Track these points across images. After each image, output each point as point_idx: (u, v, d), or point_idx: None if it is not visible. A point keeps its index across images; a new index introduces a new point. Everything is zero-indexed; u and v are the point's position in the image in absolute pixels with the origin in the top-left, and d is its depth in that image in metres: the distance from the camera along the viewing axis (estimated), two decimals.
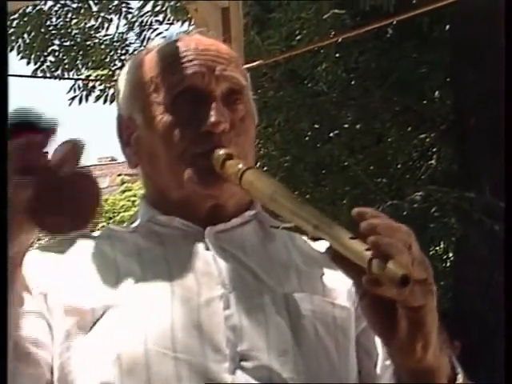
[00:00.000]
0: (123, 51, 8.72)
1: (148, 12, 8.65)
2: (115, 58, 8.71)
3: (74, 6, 8.60)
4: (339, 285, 1.21)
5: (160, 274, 1.16)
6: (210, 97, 1.22)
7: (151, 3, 8.62)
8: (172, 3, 8.16)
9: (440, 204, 5.59)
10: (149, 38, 8.50)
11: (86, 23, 8.63)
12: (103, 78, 8.33)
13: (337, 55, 7.09)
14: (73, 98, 8.28)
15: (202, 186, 1.20)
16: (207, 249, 1.20)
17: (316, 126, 7.45)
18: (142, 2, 8.67)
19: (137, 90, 1.26)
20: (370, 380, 1.20)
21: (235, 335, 1.11)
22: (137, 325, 1.11)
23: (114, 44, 8.71)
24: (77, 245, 1.24)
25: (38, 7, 8.27)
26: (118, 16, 8.67)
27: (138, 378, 1.08)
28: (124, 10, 8.64)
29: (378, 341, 1.17)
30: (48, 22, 8.51)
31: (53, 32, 8.53)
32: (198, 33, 1.33)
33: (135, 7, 8.72)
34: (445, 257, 7.87)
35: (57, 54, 8.55)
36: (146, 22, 8.67)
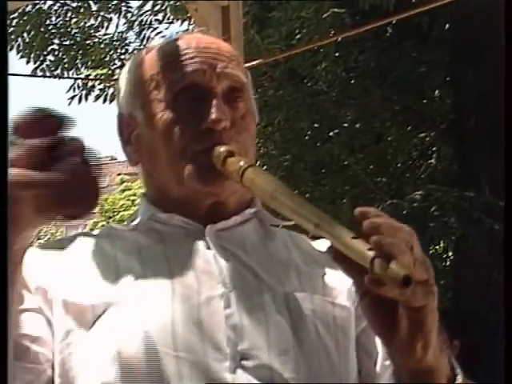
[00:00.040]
0: (123, 50, 8.72)
1: (148, 11, 8.65)
2: (115, 57, 8.71)
3: (74, 5, 8.60)
4: (339, 284, 1.21)
5: (160, 272, 1.17)
6: (210, 94, 1.22)
7: (151, 2, 8.62)
8: (171, 2, 8.16)
9: (440, 203, 5.59)
10: (148, 38, 8.50)
11: (85, 22, 8.63)
12: (103, 77, 8.33)
13: (336, 54, 7.09)
14: (72, 98, 8.29)
15: (203, 183, 1.20)
16: (208, 247, 1.20)
17: (316, 125, 7.44)
18: (141, 1, 8.68)
19: (138, 87, 1.27)
20: (369, 380, 1.20)
21: (236, 334, 1.11)
22: (137, 323, 1.11)
23: (114, 43, 8.71)
24: (77, 243, 1.24)
25: (37, 6, 8.27)
26: (117, 15, 8.67)
27: (138, 376, 1.08)
28: (124, 9, 8.64)
29: (378, 341, 1.17)
30: (48, 21, 8.51)
31: (52, 31, 8.53)
32: (199, 31, 1.33)
33: (135, 6, 8.73)
34: (444, 256, 7.87)
35: (56, 53, 8.55)
36: (146, 21, 8.67)
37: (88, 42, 8.66)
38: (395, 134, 7.60)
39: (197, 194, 1.22)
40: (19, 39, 8.25)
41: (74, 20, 8.63)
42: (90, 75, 8.48)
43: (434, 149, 7.78)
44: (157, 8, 8.61)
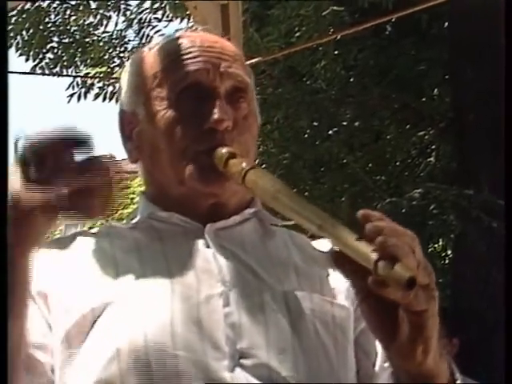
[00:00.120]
0: (122, 48, 8.70)
1: (147, 9, 8.64)
2: (114, 55, 8.69)
3: (73, 2, 8.58)
4: (338, 284, 1.21)
5: (159, 271, 1.16)
6: (213, 94, 1.21)
7: (150, 0, 8.61)
8: (171, 0, 8.15)
9: (439, 201, 5.58)
10: (148, 36, 8.48)
11: (84, 20, 8.61)
12: (102, 75, 8.32)
13: (336, 52, 7.08)
14: (71, 95, 8.27)
15: (204, 184, 1.20)
16: (207, 246, 1.20)
17: (315, 123, 7.43)
18: None
19: (140, 84, 1.26)
20: (367, 380, 1.20)
21: (235, 333, 1.11)
22: (136, 321, 1.11)
23: (113, 41, 8.69)
24: (76, 242, 1.23)
25: (36, 4, 8.26)
26: (116, 13, 8.66)
27: (137, 375, 1.08)
28: (123, 7, 8.63)
29: (377, 342, 1.17)
30: (47, 19, 8.49)
31: (51, 29, 8.51)
32: (203, 29, 1.33)
33: (134, 4, 8.72)
34: (443, 254, 7.86)
35: (55, 51, 8.53)
36: (145, 19, 8.65)
37: (87, 39, 8.64)
38: (394, 133, 7.59)
39: (197, 194, 1.22)
40: (18, 37, 8.24)
41: (73, 18, 8.61)
42: (89, 73, 8.46)
43: (433, 147, 7.77)
44: (156, 6, 8.60)
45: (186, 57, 1.23)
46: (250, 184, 1.13)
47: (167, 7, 8.33)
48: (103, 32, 8.77)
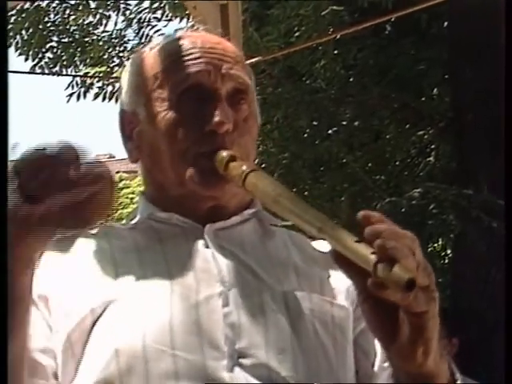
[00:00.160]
0: (121, 48, 8.69)
1: (146, 9, 8.64)
2: (113, 54, 8.69)
3: (72, 2, 8.58)
4: (338, 284, 1.21)
5: (159, 271, 1.16)
6: (215, 95, 1.21)
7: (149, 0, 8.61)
8: (170, 0, 8.15)
9: (438, 201, 5.58)
10: (147, 35, 8.48)
11: (84, 20, 8.61)
12: (101, 74, 8.32)
13: (335, 52, 7.08)
14: (71, 95, 8.27)
15: (204, 187, 1.20)
16: (206, 246, 1.20)
17: (314, 122, 7.43)
18: None
19: (141, 84, 1.26)
20: (366, 380, 1.20)
21: (234, 333, 1.11)
22: (135, 321, 1.11)
23: (113, 41, 8.69)
24: (75, 244, 1.23)
25: (35, 3, 8.25)
26: (116, 13, 8.66)
27: (136, 374, 1.08)
28: (122, 6, 8.63)
29: (376, 342, 1.17)
30: (46, 19, 8.49)
31: (51, 28, 8.51)
32: (205, 29, 1.32)
33: (133, 4, 8.71)
34: (443, 254, 7.87)
35: (55, 50, 8.53)
36: (145, 18, 8.65)
37: (86, 39, 8.63)
38: (394, 132, 7.59)
39: (197, 197, 1.21)
40: (17, 36, 8.24)
41: (73, 17, 8.60)
42: (88, 73, 8.46)
43: (433, 146, 7.77)
44: (155, 5, 8.60)
45: (187, 58, 1.23)
46: (250, 187, 1.13)
47: (166, 7, 8.33)
48: (103, 31, 8.77)
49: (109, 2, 8.59)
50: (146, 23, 8.67)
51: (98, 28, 8.70)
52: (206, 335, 1.10)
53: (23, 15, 8.22)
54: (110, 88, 7.94)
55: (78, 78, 8.31)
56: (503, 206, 1.26)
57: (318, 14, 6.66)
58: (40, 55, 8.44)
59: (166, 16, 8.59)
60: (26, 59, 8.35)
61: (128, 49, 8.58)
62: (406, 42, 6.93)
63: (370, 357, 1.20)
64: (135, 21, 8.67)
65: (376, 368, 1.20)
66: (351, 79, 7.43)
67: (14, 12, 7.96)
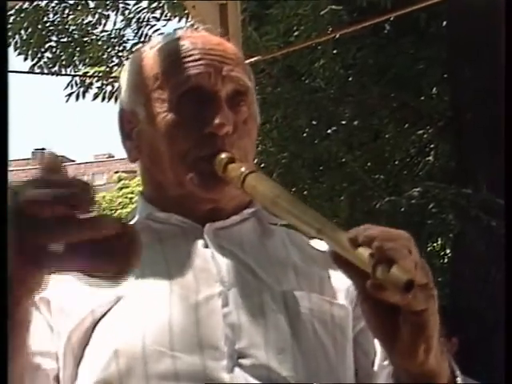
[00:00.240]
0: (120, 48, 8.69)
1: (145, 8, 8.63)
2: (112, 54, 8.69)
3: (71, 2, 8.58)
4: (337, 283, 1.20)
5: (158, 271, 1.16)
6: (215, 98, 1.20)
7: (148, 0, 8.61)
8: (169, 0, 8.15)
9: (438, 200, 5.58)
10: (146, 35, 8.48)
11: (83, 19, 8.60)
12: (100, 74, 8.31)
13: (334, 51, 7.07)
14: (70, 95, 8.27)
15: (204, 190, 1.19)
16: (206, 246, 1.20)
17: (314, 122, 7.43)
18: None
19: (140, 84, 1.25)
20: (366, 379, 1.20)
21: (233, 333, 1.11)
22: (135, 322, 1.11)
23: (112, 40, 8.68)
24: None
25: (34, 3, 8.25)
26: (115, 12, 8.66)
27: (135, 375, 1.08)
28: (121, 6, 8.63)
29: (375, 341, 1.17)
30: (45, 19, 8.49)
31: (50, 28, 8.51)
32: (205, 29, 1.31)
33: (132, 3, 8.71)
34: (442, 253, 7.87)
35: (54, 50, 8.52)
36: (144, 18, 8.65)
37: (85, 39, 8.63)
38: (393, 131, 7.59)
39: (196, 197, 1.21)
40: (16, 36, 8.23)
41: (72, 17, 8.60)
42: (87, 72, 8.46)
43: (432, 146, 7.77)
44: (154, 5, 8.60)
45: (187, 59, 1.22)
46: (249, 189, 1.13)
47: (165, 6, 8.33)
48: (102, 31, 8.76)
49: (108, 2, 8.59)
50: (144, 23, 8.68)
51: (96, 28, 8.70)
52: (206, 335, 1.10)
53: (22, 15, 8.22)
54: (109, 88, 7.93)
55: (77, 78, 8.30)
56: (502, 204, 1.26)
57: (317, 14, 6.66)
58: (39, 55, 8.44)
59: (165, 16, 8.59)
60: (25, 59, 8.36)
61: (127, 48, 8.58)
62: (405, 42, 6.93)
63: (370, 356, 1.20)
64: (134, 20, 8.67)
65: (376, 367, 1.20)
66: (350, 78, 7.43)
67: (13, 12, 7.96)
